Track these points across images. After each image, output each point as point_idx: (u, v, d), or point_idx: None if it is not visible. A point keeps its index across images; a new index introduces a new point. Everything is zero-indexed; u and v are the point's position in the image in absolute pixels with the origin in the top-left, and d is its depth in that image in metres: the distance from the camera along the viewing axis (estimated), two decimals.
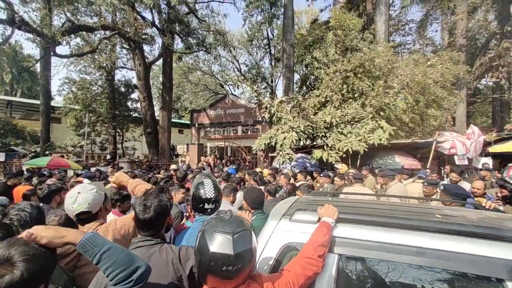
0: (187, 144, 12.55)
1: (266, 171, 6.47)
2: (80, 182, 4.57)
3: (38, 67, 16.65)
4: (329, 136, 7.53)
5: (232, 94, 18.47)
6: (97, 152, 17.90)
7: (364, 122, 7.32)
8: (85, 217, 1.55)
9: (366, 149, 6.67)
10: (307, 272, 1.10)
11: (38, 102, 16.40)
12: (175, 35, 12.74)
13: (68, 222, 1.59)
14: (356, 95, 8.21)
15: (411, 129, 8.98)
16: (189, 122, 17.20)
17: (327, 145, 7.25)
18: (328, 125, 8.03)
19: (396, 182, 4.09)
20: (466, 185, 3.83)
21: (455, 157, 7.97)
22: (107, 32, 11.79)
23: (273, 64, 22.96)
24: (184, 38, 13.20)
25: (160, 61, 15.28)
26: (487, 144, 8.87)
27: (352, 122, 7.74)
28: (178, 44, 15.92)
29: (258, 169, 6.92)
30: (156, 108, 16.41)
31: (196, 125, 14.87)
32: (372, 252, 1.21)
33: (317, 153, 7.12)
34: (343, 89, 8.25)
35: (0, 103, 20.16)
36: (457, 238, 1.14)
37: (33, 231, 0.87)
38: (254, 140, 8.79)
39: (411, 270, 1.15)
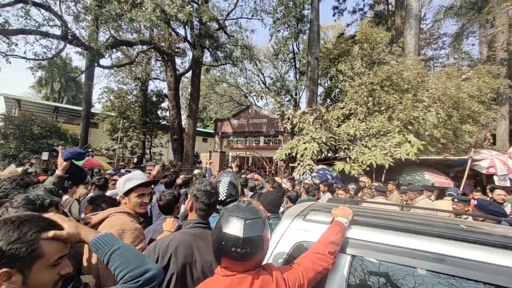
0: (210, 152, 12.91)
1: (278, 179, 6.53)
2: (115, 180, 5.02)
3: (82, 77, 18.49)
4: (352, 149, 7.33)
5: (255, 105, 18.83)
6: (127, 156, 19.05)
7: (390, 135, 7.03)
8: None
9: (391, 164, 6.36)
10: (316, 267, 1.12)
11: (80, 108, 18.07)
12: (205, 49, 13.50)
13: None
14: (382, 108, 7.95)
15: (443, 145, 8.39)
16: (213, 131, 17.75)
17: (350, 157, 7.05)
18: (352, 138, 7.82)
19: (424, 198, 3.85)
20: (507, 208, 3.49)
21: (495, 177, 7.27)
22: (144, 47, 12.86)
23: (297, 77, 23.14)
24: (213, 51, 13.91)
25: (189, 73, 16.17)
26: None
27: (377, 136, 7.47)
28: (207, 57, 16.80)
29: (277, 178, 6.92)
30: (183, 117, 17.23)
31: (220, 134, 15.30)
32: (387, 256, 1.19)
33: (339, 165, 6.94)
34: (369, 102, 8.05)
35: (48, 108, 22.63)
36: (479, 247, 1.09)
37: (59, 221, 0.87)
38: (276, 151, 8.82)
39: (426, 277, 1.11)
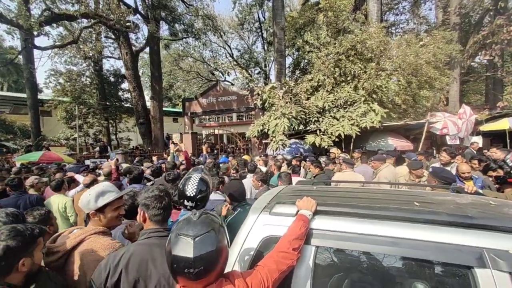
0: (181, 134, 12.43)
1: (246, 157, 6.66)
2: (71, 177, 4.54)
3: (21, 59, 16.01)
4: (322, 121, 7.51)
5: (224, 81, 18.10)
6: (91, 144, 17.69)
7: (357, 105, 7.29)
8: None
9: (358, 133, 6.68)
10: (281, 267, 1.12)
11: (25, 95, 15.93)
12: (161, 21, 12.21)
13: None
14: (348, 79, 8.10)
15: (403, 111, 8.96)
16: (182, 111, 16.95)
17: (320, 130, 7.24)
18: (321, 110, 7.98)
19: (387, 166, 4.13)
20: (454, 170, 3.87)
21: (447, 137, 8.05)
22: (90, 21, 11.25)
23: (265, 48, 22.44)
24: (170, 24, 12.68)
25: (148, 49, 14.78)
26: (478, 123, 8.94)
27: (344, 106, 7.69)
28: (165, 31, 15.35)
29: (245, 157, 7.00)
30: (147, 97, 16.09)
31: (189, 114, 14.67)
32: (348, 244, 1.23)
33: (309, 138, 7.13)
34: (335, 73, 8.12)
35: None
36: (429, 227, 1.15)
37: None
38: (249, 126, 8.74)
39: (386, 260, 1.18)
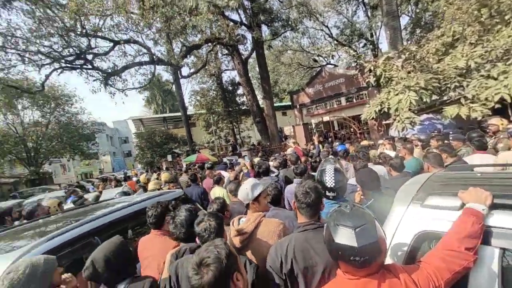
0: (293, 126, 13.04)
1: (365, 142, 6.03)
2: (218, 173, 5.95)
3: (173, 87, 22.03)
4: (468, 85, 5.75)
5: (327, 64, 17.22)
6: (224, 144, 21.89)
7: None
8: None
9: None
10: (452, 266, 1.00)
11: (179, 114, 21.89)
12: (262, 25, 13.20)
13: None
14: (507, 17, 5.77)
15: None
16: (289, 103, 17.67)
17: (465, 97, 5.60)
18: (464, 71, 6.12)
19: None
20: None
21: None
22: (209, 44, 13.83)
23: (369, 14, 19.46)
24: (269, 24, 13.45)
25: (254, 54, 16.36)
26: None
27: (504, 58, 5.54)
28: (265, 32, 16.42)
29: (363, 142, 6.39)
30: (259, 97, 17.87)
31: (298, 106, 15.08)
32: None
33: (450, 110, 5.65)
34: (482, 15, 5.98)
35: (159, 120, 28.70)
36: None
37: None
38: (361, 107, 8.02)
39: None
